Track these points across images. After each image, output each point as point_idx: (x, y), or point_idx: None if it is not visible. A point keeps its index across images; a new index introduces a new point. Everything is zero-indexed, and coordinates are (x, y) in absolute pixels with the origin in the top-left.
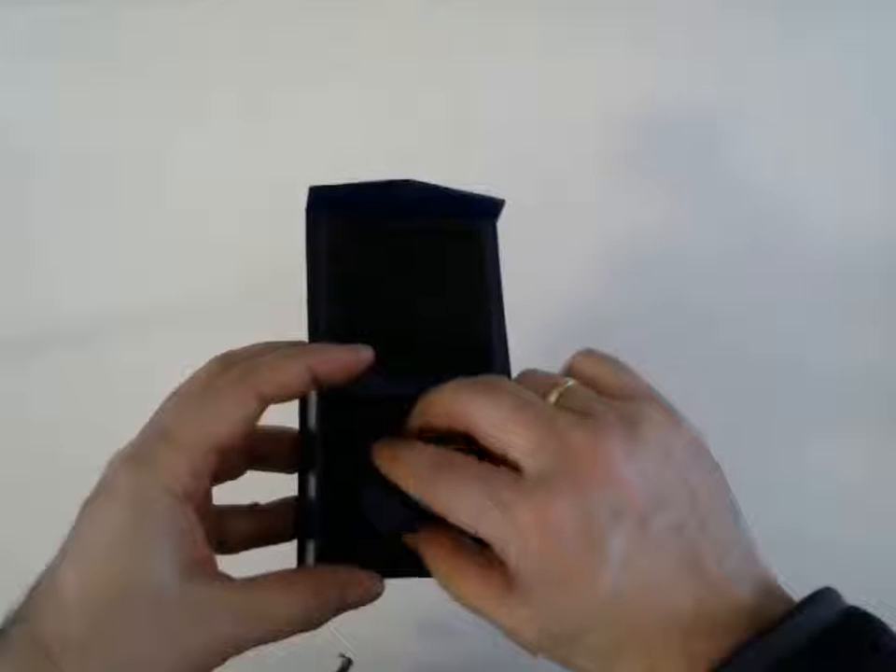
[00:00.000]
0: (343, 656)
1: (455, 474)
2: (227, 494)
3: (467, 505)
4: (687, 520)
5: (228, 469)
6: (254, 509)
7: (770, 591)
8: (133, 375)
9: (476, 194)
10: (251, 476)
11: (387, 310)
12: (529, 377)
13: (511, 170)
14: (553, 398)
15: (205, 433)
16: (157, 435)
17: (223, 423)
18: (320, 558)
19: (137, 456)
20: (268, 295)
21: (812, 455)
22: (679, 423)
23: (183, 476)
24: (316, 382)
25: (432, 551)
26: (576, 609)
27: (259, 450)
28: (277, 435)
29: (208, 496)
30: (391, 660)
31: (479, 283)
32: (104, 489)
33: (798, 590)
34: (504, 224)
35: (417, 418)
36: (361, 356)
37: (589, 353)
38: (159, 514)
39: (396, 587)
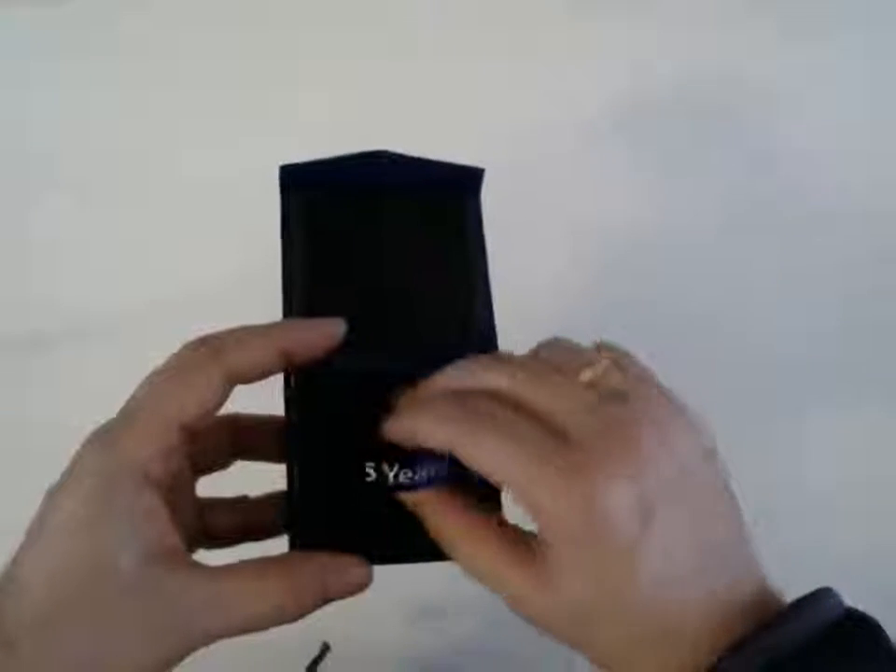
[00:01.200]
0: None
1: (501, 430)
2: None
3: (513, 467)
4: (700, 515)
5: (211, 458)
6: (242, 502)
7: (766, 589)
8: (134, 374)
9: (453, 164)
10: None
11: (365, 285)
12: (559, 347)
13: (512, 167)
14: (587, 376)
15: (169, 411)
16: (121, 415)
17: (187, 401)
18: (304, 546)
19: (101, 437)
20: (267, 294)
21: (812, 450)
22: (681, 418)
23: (146, 456)
24: (288, 358)
25: (447, 516)
26: (605, 599)
27: (245, 438)
28: (263, 423)
29: (186, 483)
30: (377, 648)
31: (460, 253)
32: (67, 471)
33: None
34: (494, 209)
35: (438, 384)
36: (333, 328)
37: (604, 344)
38: (119, 495)
39: (387, 572)
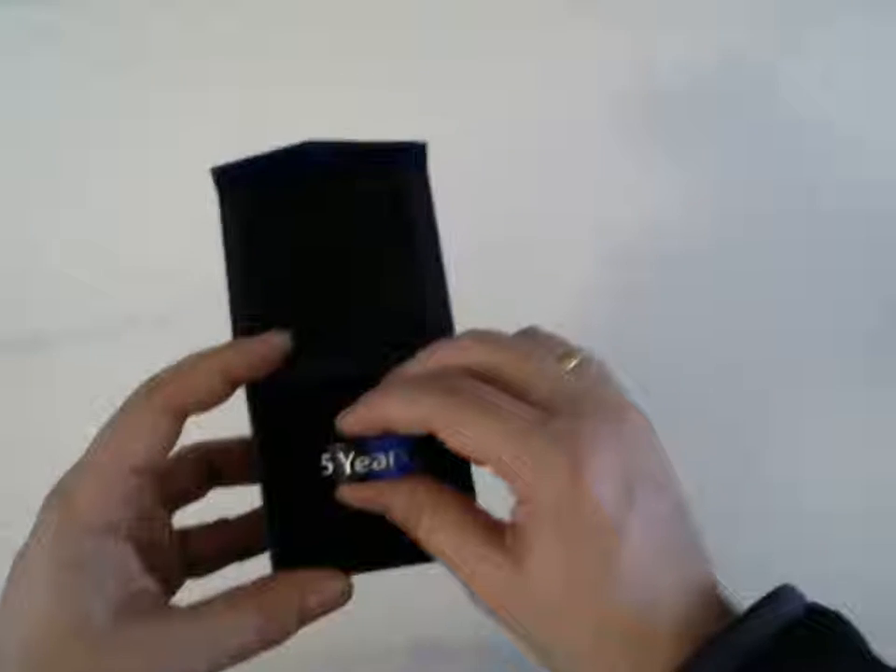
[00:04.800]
0: None
1: (483, 404)
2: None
3: (495, 441)
4: (672, 509)
5: (184, 491)
6: (222, 525)
7: (721, 592)
8: (134, 374)
9: (391, 142)
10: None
11: (311, 285)
12: (539, 333)
13: (511, 168)
14: (570, 365)
15: (116, 457)
16: (74, 470)
17: (133, 445)
18: (279, 565)
19: (56, 495)
20: None
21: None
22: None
23: (101, 506)
24: (233, 382)
25: (416, 492)
26: (580, 585)
27: (216, 465)
28: (232, 446)
29: (158, 521)
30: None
31: (407, 242)
32: (32, 532)
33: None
34: (509, 220)
35: (419, 364)
36: (275, 342)
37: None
38: (81, 552)
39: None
